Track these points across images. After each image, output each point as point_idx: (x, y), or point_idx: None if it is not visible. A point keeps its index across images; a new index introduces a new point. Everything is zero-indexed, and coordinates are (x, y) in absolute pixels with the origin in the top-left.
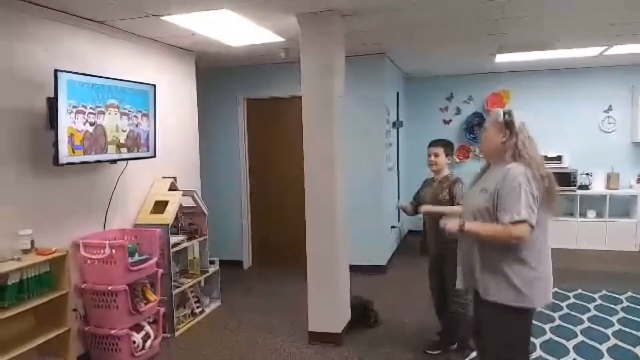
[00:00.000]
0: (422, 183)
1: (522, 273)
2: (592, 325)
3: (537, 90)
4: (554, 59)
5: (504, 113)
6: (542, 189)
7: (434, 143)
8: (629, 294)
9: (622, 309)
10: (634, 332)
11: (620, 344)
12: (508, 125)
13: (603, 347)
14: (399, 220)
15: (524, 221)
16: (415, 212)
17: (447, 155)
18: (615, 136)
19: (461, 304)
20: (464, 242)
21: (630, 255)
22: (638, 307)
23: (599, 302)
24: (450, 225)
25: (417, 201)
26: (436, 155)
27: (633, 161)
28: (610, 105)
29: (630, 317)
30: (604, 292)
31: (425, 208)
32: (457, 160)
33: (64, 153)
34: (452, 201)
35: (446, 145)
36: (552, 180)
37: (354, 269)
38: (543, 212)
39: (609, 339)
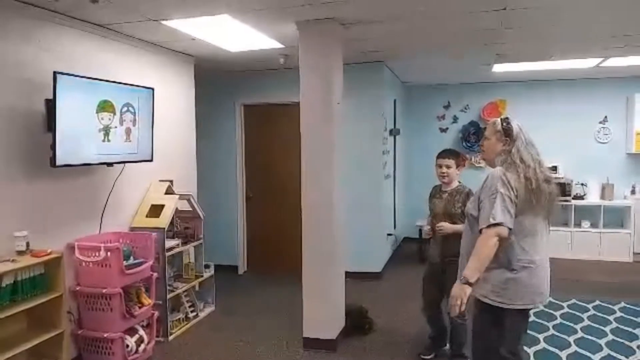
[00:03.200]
0: (431, 190)
1: (497, 273)
2: (586, 336)
3: (533, 101)
4: (551, 70)
5: (502, 121)
6: (525, 192)
7: (445, 154)
8: (623, 304)
9: (616, 319)
10: (627, 342)
11: (613, 354)
12: (507, 132)
13: (596, 357)
14: (394, 228)
15: (499, 224)
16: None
17: (457, 167)
18: (610, 147)
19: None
20: (464, 249)
21: (624, 266)
22: (631, 317)
23: (592, 312)
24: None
25: (431, 215)
26: (448, 167)
27: (628, 172)
28: (606, 117)
29: (623, 327)
30: (597, 302)
31: (446, 227)
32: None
33: (61, 155)
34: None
35: (457, 156)
36: (539, 183)
37: (349, 275)
38: (530, 216)
39: (602, 349)
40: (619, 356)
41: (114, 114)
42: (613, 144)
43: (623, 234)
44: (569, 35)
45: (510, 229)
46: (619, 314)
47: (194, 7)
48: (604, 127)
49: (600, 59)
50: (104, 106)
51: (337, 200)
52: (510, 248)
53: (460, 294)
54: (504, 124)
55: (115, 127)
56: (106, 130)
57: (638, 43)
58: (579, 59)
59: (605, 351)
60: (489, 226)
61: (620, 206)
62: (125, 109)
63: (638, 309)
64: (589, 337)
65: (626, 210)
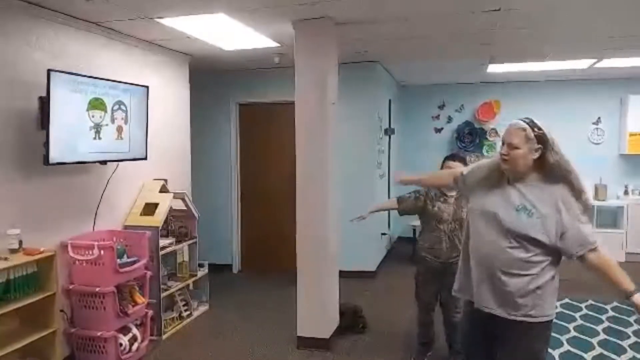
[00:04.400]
0: (426, 193)
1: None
2: (578, 335)
3: (527, 101)
4: (545, 71)
5: (531, 126)
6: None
7: (454, 158)
8: (615, 304)
9: (608, 318)
10: (619, 341)
11: (605, 352)
12: (540, 140)
13: (588, 356)
14: (389, 227)
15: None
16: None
17: None
18: (604, 148)
19: (459, 313)
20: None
21: None
22: (623, 316)
23: (585, 311)
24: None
25: (429, 217)
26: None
27: (621, 173)
28: (599, 118)
29: (615, 326)
30: (590, 301)
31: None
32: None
33: (55, 153)
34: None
35: (464, 162)
36: (584, 195)
37: (343, 274)
38: None
39: (594, 348)
40: (611, 355)
41: (105, 111)
42: (606, 145)
43: (616, 234)
44: (563, 36)
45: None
46: (611, 313)
47: (190, 6)
48: (597, 128)
49: (594, 60)
50: (95, 104)
51: (331, 200)
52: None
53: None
54: (536, 129)
55: (107, 125)
56: (97, 128)
57: (632, 44)
58: (573, 60)
59: (598, 350)
60: (594, 249)
61: (614, 206)
62: (116, 106)
63: (630, 308)
64: (582, 336)
65: (619, 210)
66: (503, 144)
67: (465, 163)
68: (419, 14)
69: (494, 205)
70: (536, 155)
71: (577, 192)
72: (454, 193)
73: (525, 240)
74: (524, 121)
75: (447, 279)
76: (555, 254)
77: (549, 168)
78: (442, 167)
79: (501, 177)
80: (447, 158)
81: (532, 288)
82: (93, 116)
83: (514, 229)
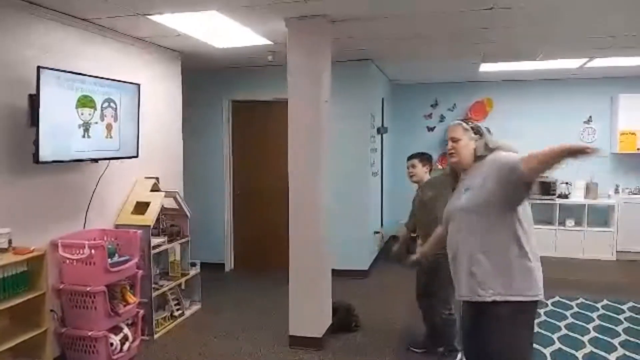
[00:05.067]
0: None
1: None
2: (569, 333)
3: (519, 100)
4: (537, 70)
5: (465, 121)
6: None
7: (410, 156)
8: (605, 302)
9: (599, 316)
10: (609, 339)
11: (595, 351)
12: (476, 130)
13: (579, 354)
14: (381, 226)
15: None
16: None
17: (424, 165)
18: (595, 147)
19: (451, 309)
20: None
21: (607, 264)
22: (614, 314)
23: (576, 309)
24: None
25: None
26: (413, 166)
27: (611, 172)
28: (590, 117)
29: (606, 324)
30: (581, 300)
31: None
32: (440, 167)
33: (45, 151)
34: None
35: (421, 156)
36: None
37: (336, 273)
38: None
39: (585, 346)
40: (601, 353)
41: (95, 109)
42: (597, 144)
43: (607, 233)
44: (555, 36)
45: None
46: (602, 311)
47: (182, 2)
48: (588, 127)
49: (585, 60)
50: (84, 101)
51: (324, 198)
52: (524, 235)
53: None
54: (470, 123)
55: (96, 122)
56: (86, 126)
57: (623, 44)
58: (565, 59)
59: (588, 348)
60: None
61: (604, 205)
62: (106, 104)
63: (620, 306)
64: (573, 334)
65: (610, 209)
66: (447, 143)
67: (426, 161)
68: (412, 13)
69: (452, 204)
70: (476, 144)
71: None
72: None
73: (475, 213)
74: (459, 119)
75: (437, 275)
76: (504, 226)
77: (482, 149)
78: (407, 168)
79: (454, 180)
80: (408, 158)
81: (494, 265)
82: (82, 114)
83: (466, 208)
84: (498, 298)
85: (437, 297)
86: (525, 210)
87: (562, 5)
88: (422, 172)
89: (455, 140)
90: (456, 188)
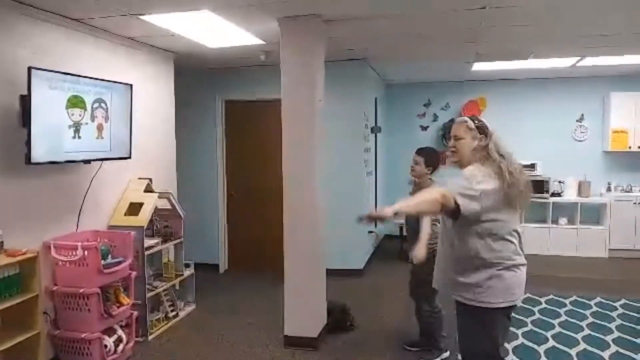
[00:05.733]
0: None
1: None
2: (563, 330)
3: (512, 99)
4: (529, 69)
5: (473, 119)
6: (503, 185)
7: (417, 150)
8: (599, 299)
9: (592, 314)
10: (602, 336)
11: (589, 348)
12: (481, 130)
13: (573, 352)
14: (376, 225)
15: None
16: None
17: (427, 167)
18: (587, 145)
19: (432, 307)
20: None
21: (600, 262)
22: (607, 312)
23: (569, 307)
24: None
25: None
26: (417, 163)
27: (604, 170)
28: (583, 115)
29: (599, 322)
30: (574, 297)
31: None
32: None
33: (37, 152)
34: None
35: (428, 156)
36: (517, 176)
37: (330, 272)
38: (508, 212)
39: (578, 343)
40: (595, 350)
41: (85, 109)
42: (590, 142)
43: (599, 231)
44: (547, 35)
45: (461, 213)
46: (595, 308)
47: (174, 2)
48: (580, 125)
49: (577, 58)
50: (74, 102)
51: (318, 198)
52: (488, 246)
53: (379, 213)
54: (476, 121)
55: (86, 123)
56: (76, 127)
57: (614, 43)
58: (557, 58)
59: (582, 345)
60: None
61: (597, 203)
62: (96, 104)
63: (613, 303)
64: (566, 331)
65: (602, 207)
66: (450, 139)
67: (427, 156)
68: (405, 13)
69: None
70: (480, 143)
71: (488, 172)
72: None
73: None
74: (467, 117)
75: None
76: (471, 234)
77: (481, 153)
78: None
79: None
80: (417, 151)
81: (457, 269)
82: (72, 114)
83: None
84: (461, 300)
85: (422, 294)
86: (495, 221)
87: (553, 5)
88: (423, 171)
89: (457, 138)
90: None
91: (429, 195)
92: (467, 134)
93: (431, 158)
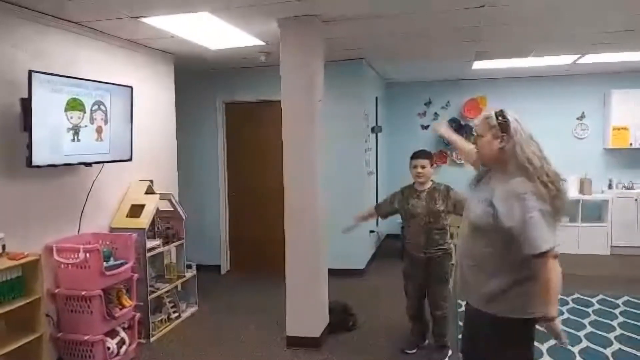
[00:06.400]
0: (401, 192)
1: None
2: (565, 328)
3: (512, 97)
4: (529, 67)
5: (497, 115)
6: (549, 199)
7: (420, 155)
8: (601, 296)
9: (594, 311)
10: (605, 334)
11: (591, 345)
12: (503, 128)
13: (575, 349)
14: (377, 225)
15: (551, 249)
16: (380, 216)
17: (431, 165)
18: (588, 143)
19: (445, 306)
20: (466, 257)
21: (602, 259)
22: (609, 309)
23: (571, 305)
24: None
25: (406, 214)
26: (423, 167)
27: (605, 167)
28: (583, 113)
29: (601, 319)
30: (576, 295)
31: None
32: (435, 165)
33: (38, 154)
34: (455, 208)
35: (431, 156)
36: (557, 185)
37: (332, 272)
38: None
39: (581, 341)
40: (597, 347)
41: (84, 112)
42: (590, 140)
43: (601, 228)
44: (546, 33)
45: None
46: (597, 306)
47: (174, 5)
48: (581, 123)
49: (577, 56)
50: (73, 104)
51: (319, 198)
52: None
53: (559, 328)
54: (500, 117)
55: (85, 126)
56: (75, 130)
57: (614, 41)
58: (557, 56)
59: (584, 343)
60: (545, 253)
61: (598, 200)
62: (95, 107)
63: (616, 301)
64: (569, 329)
65: (604, 204)
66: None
67: (430, 157)
68: (404, 12)
69: (468, 203)
70: (501, 144)
71: (540, 186)
72: (425, 188)
73: (480, 231)
74: (494, 111)
75: (430, 272)
76: (517, 252)
77: (509, 158)
78: (410, 167)
79: (482, 176)
80: (412, 158)
81: (492, 285)
82: (71, 117)
83: (473, 220)
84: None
85: (441, 294)
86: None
87: (552, 3)
88: (430, 173)
89: (477, 135)
90: (478, 184)
91: (559, 279)
92: (487, 132)
93: (430, 155)
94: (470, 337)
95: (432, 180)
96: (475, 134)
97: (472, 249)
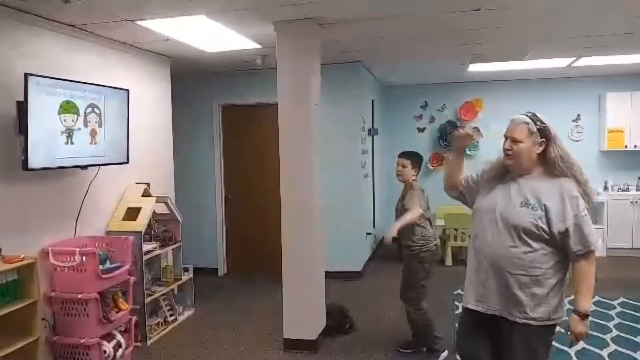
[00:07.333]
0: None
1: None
2: (561, 330)
3: (508, 100)
4: (525, 70)
5: (534, 120)
6: (587, 198)
7: (401, 154)
8: (597, 298)
9: (590, 313)
10: (602, 335)
11: (588, 347)
12: (542, 133)
13: (572, 351)
14: (374, 227)
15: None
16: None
17: (413, 168)
18: (584, 145)
19: (418, 309)
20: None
21: (598, 261)
22: (605, 311)
23: (567, 306)
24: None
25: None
26: (404, 166)
27: (600, 169)
28: (579, 115)
29: (598, 321)
30: (572, 297)
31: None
32: (431, 167)
33: (33, 158)
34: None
35: (413, 158)
36: (589, 185)
37: (329, 275)
38: None
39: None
40: (593, 349)
41: (77, 115)
42: (586, 142)
43: (597, 230)
44: (542, 36)
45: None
46: (593, 307)
47: (169, 7)
48: (577, 125)
49: (573, 59)
50: (67, 107)
51: (316, 201)
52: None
53: (585, 330)
54: (538, 123)
55: (79, 129)
56: (69, 133)
57: (609, 43)
58: (552, 59)
59: (581, 344)
60: (590, 252)
61: (594, 202)
62: (89, 110)
63: (612, 302)
64: (564, 331)
65: (599, 206)
66: (506, 139)
67: (414, 159)
68: (401, 15)
69: (495, 202)
70: (540, 149)
71: (582, 186)
72: (404, 186)
73: (527, 235)
74: (527, 115)
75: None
76: (560, 253)
77: (552, 161)
78: (396, 164)
79: (504, 174)
80: (398, 156)
81: (537, 290)
82: (65, 120)
83: (516, 224)
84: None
85: (412, 298)
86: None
87: (547, 6)
88: (410, 174)
89: (515, 141)
90: (502, 183)
91: (593, 278)
92: (527, 138)
93: (416, 160)
94: (499, 349)
95: (415, 181)
96: (509, 139)
97: (513, 255)
